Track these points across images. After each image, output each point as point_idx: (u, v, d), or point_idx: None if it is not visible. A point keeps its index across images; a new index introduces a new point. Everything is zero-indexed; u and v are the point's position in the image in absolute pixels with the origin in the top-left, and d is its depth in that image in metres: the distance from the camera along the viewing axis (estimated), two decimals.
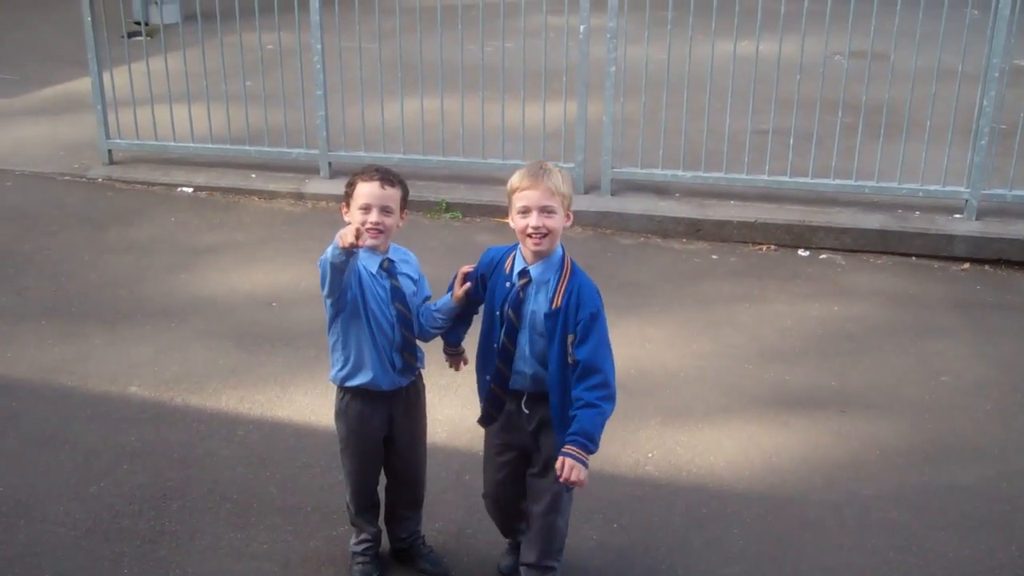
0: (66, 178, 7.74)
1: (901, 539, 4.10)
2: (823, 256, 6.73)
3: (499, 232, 6.76)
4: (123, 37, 7.98)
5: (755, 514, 4.22)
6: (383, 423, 3.64)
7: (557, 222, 3.29)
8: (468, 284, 3.53)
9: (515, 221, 3.33)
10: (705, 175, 7.18)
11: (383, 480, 3.80)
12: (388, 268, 3.52)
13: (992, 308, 6.08)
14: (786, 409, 4.95)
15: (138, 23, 11.08)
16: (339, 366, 3.60)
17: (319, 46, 7.32)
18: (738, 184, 7.19)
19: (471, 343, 3.63)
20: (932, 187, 6.92)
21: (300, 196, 7.47)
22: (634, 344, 5.46)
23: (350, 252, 3.24)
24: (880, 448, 4.67)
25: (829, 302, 6.07)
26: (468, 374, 3.75)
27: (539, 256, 3.33)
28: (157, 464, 4.44)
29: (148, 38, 9.64)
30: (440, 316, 3.60)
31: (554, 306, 3.31)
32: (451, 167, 7.52)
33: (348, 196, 3.52)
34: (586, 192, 7.23)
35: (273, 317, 5.75)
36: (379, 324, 3.51)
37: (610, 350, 3.33)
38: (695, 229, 6.97)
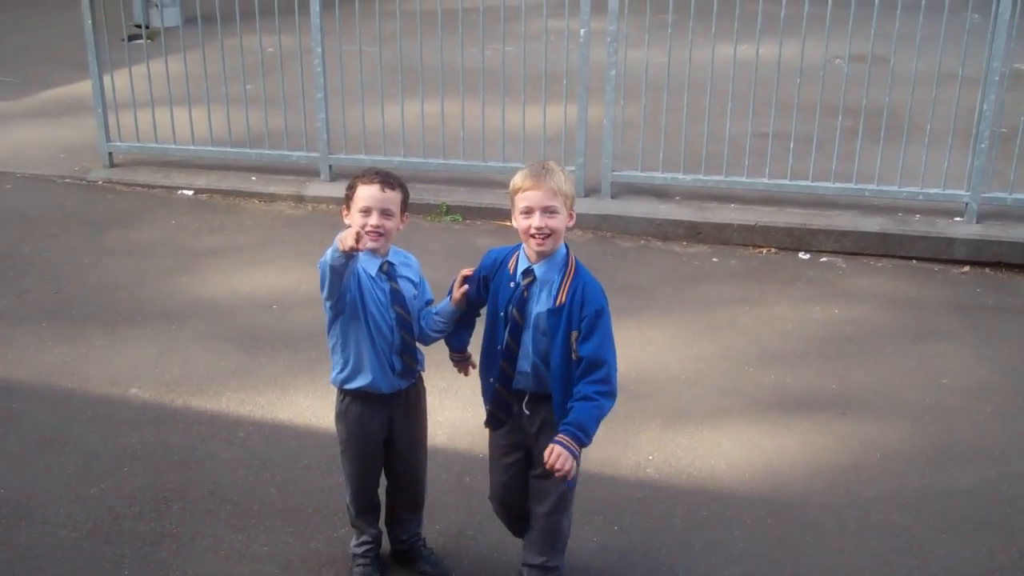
0: (66, 181, 7.74)
1: (902, 541, 4.10)
2: (824, 259, 6.73)
3: (500, 235, 6.77)
4: (124, 40, 7.99)
5: (756, 516, 4.22)
6: (383, 426, 3.64)
7: (560, 222, 3.28)
8: (466, 286, 3.52)
9: (518, 222, 3.32)
10: (705, 178, 7.18)
11: (384, 482, 3.80)
12: (388, 271, 3.52)
13: (992, 311, 6.09)
14: (787, 412, 4.95)
15: (139, 26, 11.08)
16: (339, 368, 3.60)
17: (319, 49, 7.32)
18: (738, 187, 7.19)
19: (476, 347, 3.62)
20: (932, 190, 6.93)
21: (300, 199, 7.47)
22: (635, 347, 5.46)
23: (350, 255, 3.23)
24: (881, 451, 4.67)
25: (830, 305, 6.07)
26: (469, 377, 3.76)
27: (543, 256, 3.33)
28: (158, 466, 4.44)
29: (148, 41, 9.65)
30: (440, 319, 3.59)
31: (558, 302, 3.30)
32: (451, 170, 7.52)
33: (348, 199, 3.52)
34: (586, 195, 7.23)
35: (273, 319, 5.75)
36: (378, 327, 3.50)
37: (614, 348, 3.32)
38: (695, 232, 6.97)
